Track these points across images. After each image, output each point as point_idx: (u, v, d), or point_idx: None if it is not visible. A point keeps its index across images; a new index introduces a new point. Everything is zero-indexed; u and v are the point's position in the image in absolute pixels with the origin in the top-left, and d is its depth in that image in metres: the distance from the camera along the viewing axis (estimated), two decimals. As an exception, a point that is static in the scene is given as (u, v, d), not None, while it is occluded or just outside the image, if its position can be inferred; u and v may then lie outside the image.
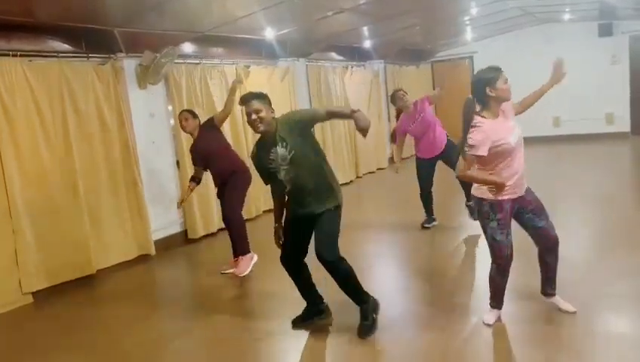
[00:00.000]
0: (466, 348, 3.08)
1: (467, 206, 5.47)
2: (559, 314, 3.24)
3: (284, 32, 6.56)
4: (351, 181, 8.99)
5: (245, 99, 3.17)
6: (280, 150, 3.12)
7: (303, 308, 3.47)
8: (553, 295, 3.30)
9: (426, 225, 5.59)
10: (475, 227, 5.63)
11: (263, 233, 4.57)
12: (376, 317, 3.28)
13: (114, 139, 5.11)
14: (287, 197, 3.31)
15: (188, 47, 6.02)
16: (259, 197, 6.84)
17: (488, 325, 3.22)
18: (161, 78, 5.53)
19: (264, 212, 6.92)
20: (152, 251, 5.38)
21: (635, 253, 4.25)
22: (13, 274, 4.31)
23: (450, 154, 5.27)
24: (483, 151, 2.90)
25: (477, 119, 2.97)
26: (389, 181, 9.21)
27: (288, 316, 3.55)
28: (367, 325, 3.22)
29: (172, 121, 5.87)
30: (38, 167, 4.48)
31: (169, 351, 3.41)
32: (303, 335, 3.40)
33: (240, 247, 4.56)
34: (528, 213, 3.06)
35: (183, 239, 5.91)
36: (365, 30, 7.96)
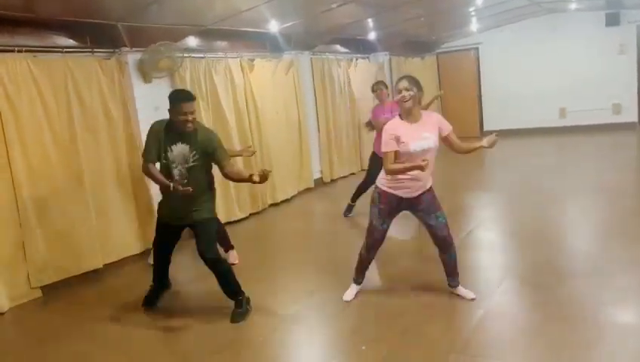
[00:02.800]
0: (472, 337, 3.09)
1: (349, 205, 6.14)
2: (565, 305, 3.24)
3: (288, 25, 6.54)
4: (353, 173, 8.97)
5: (190, 98, 3.48)
6: (184, 148, 3.48)
7: (150, 289, 3.99)
8: (455, 286, 3.62)
9: (348, 215, 6.13)
10: (476, 219, 5.63)
11: (267, 227, 4.59)
12: (249, 308, 3.68)
13: (119, 133, 5.13)
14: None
15: (192, 41, 6.02)
16: (265, 191, 6.86)
17: (347, 301, 3.68)
18: (164, 73, 5.53)
19: (270, 205, 6.95)
20: (159, 245, 5.40)
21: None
22: (21, 269, 4.35)
23: None
24: (388, 147, 3.33)
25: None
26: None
27: (295, 307, 3.57)
28: (240, 312, 3.62)
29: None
30: (45, 162, 4.50)
31: (175, 343, 3.44)
32: (308, 329, 3.42)
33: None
34: (419, 211, 3.45)
35: (189, 233, 5.90)
36: (370, 22, 7.92)
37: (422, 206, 3.41)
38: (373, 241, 3.59)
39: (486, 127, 11.70)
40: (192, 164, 3.50)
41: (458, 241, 4.97)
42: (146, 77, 5.46)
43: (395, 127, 3.31)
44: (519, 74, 10.97)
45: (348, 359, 3.06)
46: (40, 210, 4.45)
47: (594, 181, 6.73)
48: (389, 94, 5.97)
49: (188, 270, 5.19)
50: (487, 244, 4.90)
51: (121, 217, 5.15)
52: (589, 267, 3.94)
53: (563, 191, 6.41)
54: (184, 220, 3.66)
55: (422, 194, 3.39)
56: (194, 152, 3.49)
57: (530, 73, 10.90)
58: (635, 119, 10.49)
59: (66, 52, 4.72)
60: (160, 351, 3.39)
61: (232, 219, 6.29)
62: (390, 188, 3.40)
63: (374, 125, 5.93)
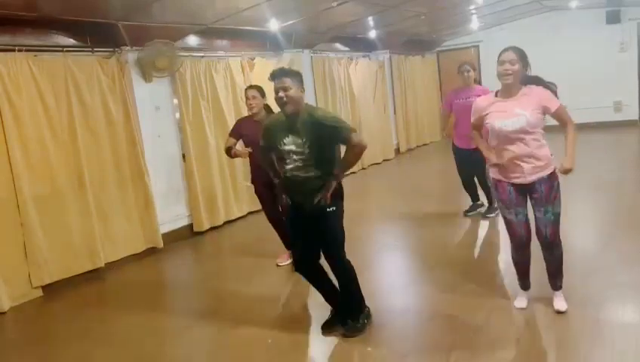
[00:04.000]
0: (474, 335, 3.09)
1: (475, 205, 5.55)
2: (567, 302, 3.23)
3: (288, 23, 6.54)
4: (354, 172, 8.95)
5: (276, 74, 3.05)
6: (294, 140, 3.02)
7: (332, 313, 3.34)
8: (554, 290, 3.25)
9: (469, 214, 5.55)
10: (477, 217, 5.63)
11: (266, 226, 4.58)
12: (367, 322, 3.24)
13: (120, 132, 5.12)
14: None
15: (192, 40, 6.02)
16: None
17: (521, 309, 3.28)
18: (165, 73, 5.53)
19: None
20: (160, 244, 5.41)
21: (643, 242, 4.23)
22: (22, 268, 4.35)
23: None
24: (472, 119, 3.16)
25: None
26: (394, 172, 9.20)
27: (294, 305, 3.57)
28: (357, 326, 3.18)
29: (177, 115, 5.88)
30: (45, 161, 4.51)
31: (180, 341, 3.44)
32: (310, 328, 3.42)
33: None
34: (533, 200, 3.11)
35: (190, 232, 5.93)
36: (370, 20, 7.91)
37: (536, 195, 3.05)
38: (518, 238, 3.15)
39: (487, 126, 11.69)
40: (305, 154, 3.02)
41: (458, 239, 5.00)
42: (147, 76, 5.46)
43: (483, 101, 3.10)
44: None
45: (349, 357, 3.06)
46: (41, 210, 4.45)
47: (595, 179, 6.72)
48: (476, 78, 5.41)
49: (195, 269, 5.21)
50: (488, 242, 4.90)
51: (122, 216, 5.15)
52: (590, 264, 3.93)
53: (564, 189, 6.38)
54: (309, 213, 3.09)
55: (537, 182, 3.02)
56: (306, 142, 3.01)
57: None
58: (636, 117, 10.48)
59: (67, 51, 4.72)
60: (161, 350, 3.38)
61: (231, 218, 6.30)
62: (499, 174, 3.10)
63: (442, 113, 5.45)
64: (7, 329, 3.99)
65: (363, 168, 9.27)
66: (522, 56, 3.01)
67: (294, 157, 3.04)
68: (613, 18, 10.19)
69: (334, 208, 3.08)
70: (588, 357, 2.76)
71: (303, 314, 3.67)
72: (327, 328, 3.27)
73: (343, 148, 3.09)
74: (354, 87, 9.09)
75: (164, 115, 5.77)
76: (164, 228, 5.56)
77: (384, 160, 9.87)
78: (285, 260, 4.58)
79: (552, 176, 3.06)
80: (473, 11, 9.06)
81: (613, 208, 5.42)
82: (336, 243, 3.11)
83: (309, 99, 8.26)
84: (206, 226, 5.98)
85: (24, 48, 4.37)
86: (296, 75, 3.11)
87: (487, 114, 3.06)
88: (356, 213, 6.30)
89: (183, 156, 5.93)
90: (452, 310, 3.41)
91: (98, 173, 4.94)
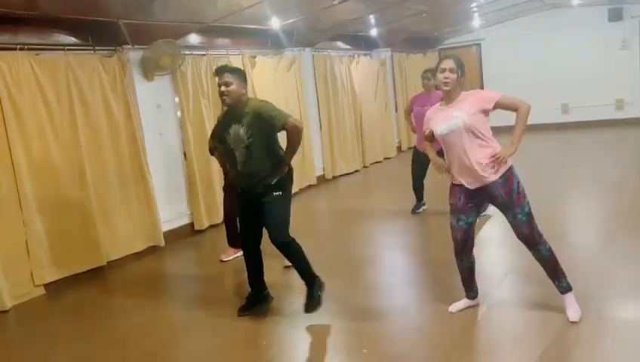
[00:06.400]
0: (475, 334, 3.09)
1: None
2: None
3: (289, 21, 6.53)
4: (357, 171, 8.96)
5: (218, 71, 3.37)
6: (236, 129, 3.31)
7: (248, 295, 3.68)
8: (563, 292, 3.11)
9: (417, 211, 5.83)
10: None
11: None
12: (321, 294, 3.45)
13: (121, 130, 5.13)
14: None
15: (194, 38, 6.01)
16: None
17: (451, 312, 3.31)
18: (167, 71, 5.53)
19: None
20: (162, 242, 5.42)
21: (644, 240, 4.23)
22: (24, 266, 4.36)
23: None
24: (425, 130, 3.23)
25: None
26: (396, 171, 9.19)
27: (294, 304, 3.57)
28: (313, 301, 3.41)
29: (179, 113, 5.89)
30: (47, 159, 4.52)
31: (180, 340, 3.45)
32: (307, 328, 3.43)
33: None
34: (498, 206, 3.11)
35: (190, 230, 5.94)
36: (371, 18, 7.90)
37: (497, 201, 3.03)
38: (455, 244, 3.17)
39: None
40: (247, 143, 3.29)
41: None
42: (148, 74, 5.47)
43: (431, 112, 3.19)
44: (521, 70, 10.93)
45: (348, 357, 3.06)
46: (43, 209, 4.46)
47: (597, 177, 6.71)
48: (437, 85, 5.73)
49: (197, 268, 5.21)
50: (490, 240, 4.90)
51: (123, 214, 5.16)
52: (591, 262, 3.93)
53: (565, 187, 6.39)
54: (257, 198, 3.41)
55: (492, 186, 2.98)
56: (248, 131, 3.28)
57: (533, 69, 10.86)
58: (638, 115, 10.46)
59: (68, 50, 4.72)
60: (163, 349, 3.39)
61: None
62: (454, 178, 3.10)
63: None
64: (9, 328, 4.00)
65: (365, 166, 9.27)
66: (460, 65, 3.07)
67: (241, 146, 3.32)
68: (616, 16, 10.16)
69: (280, 192, 3.39)
70: (590, 355, 2.76)
71: (303, 314, 3.66)
72: (246, 309, 3.61)
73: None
74: (355, 85, 9.08)
75: (166, 113, 5.77)
76: (166, 227, 5.57)
77: (385, 158, 9.87)
78: (230, 255, 4.86)
79: (509, 178, 2.98)
80: (474, 9, 9.04)
81: (615, 207, 5.41)
82: (282, 224, 3.42)
83: (310, 97, 8.32)
84: (206, 224, 5.99)
85: (25, 47, 4.37)
86: (238, 72, 3.38)
87: (429, 121, 3.17)
88: (357, 212, 6.31)
89: (184, 154, 5.93)
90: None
91: (99, 172, 4.94)
